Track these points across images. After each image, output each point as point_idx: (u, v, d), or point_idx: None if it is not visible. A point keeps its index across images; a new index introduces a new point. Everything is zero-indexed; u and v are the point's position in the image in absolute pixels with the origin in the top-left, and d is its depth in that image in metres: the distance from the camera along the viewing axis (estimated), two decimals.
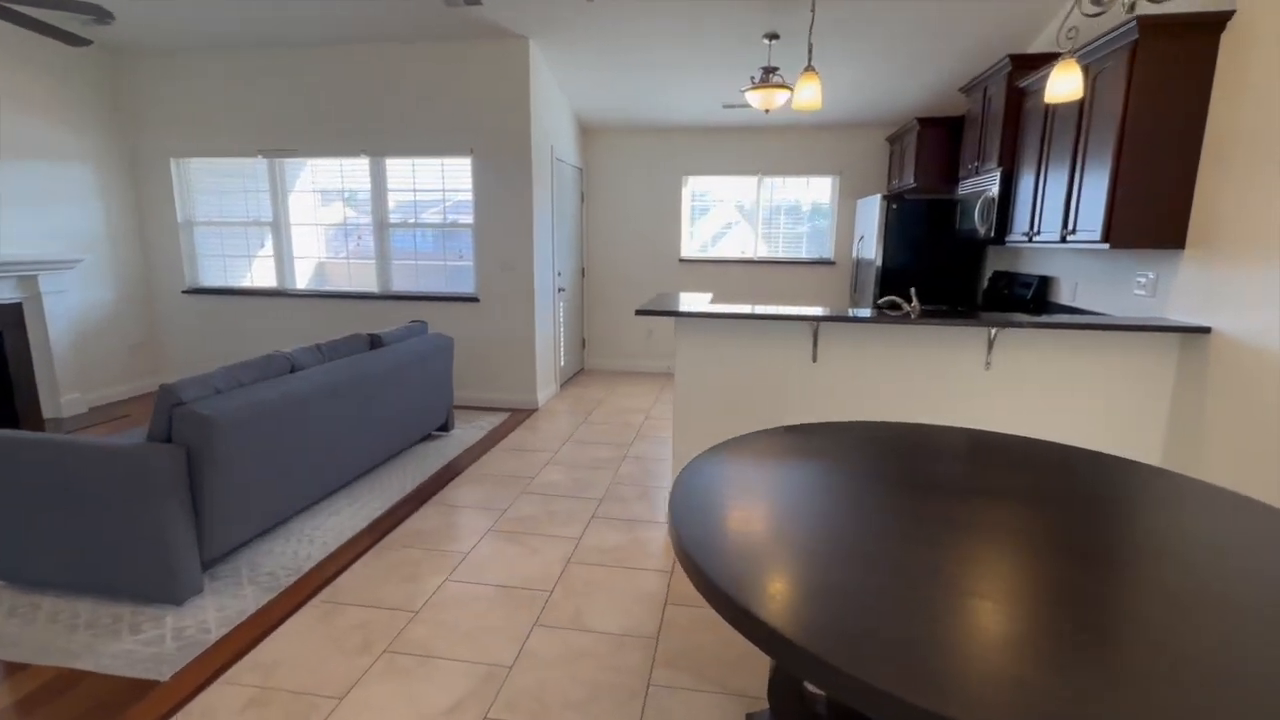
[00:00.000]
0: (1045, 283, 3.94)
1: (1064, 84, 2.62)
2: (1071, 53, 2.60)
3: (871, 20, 3.97)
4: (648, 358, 6.53)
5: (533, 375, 5.03)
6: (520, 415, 4.88)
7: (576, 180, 6.02)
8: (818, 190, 6.05)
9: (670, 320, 6.43)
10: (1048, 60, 3.59)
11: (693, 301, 3.27)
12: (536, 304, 4.94)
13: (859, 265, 5.56)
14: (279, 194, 5.20)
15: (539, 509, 3.21)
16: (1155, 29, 2.62)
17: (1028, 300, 3.99)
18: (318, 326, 5.30)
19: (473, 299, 5.00)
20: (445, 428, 4.29)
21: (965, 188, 4.39)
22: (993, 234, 3.90)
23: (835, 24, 4.08)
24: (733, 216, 6.24)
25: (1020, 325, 2.74)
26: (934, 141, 4.82)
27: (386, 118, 4.83)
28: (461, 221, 5.00)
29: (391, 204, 5.08)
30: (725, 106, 5.44)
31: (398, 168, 4.99)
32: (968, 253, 4.97)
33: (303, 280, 5.37)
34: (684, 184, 6.19)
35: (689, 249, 6.35)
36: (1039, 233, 3.44)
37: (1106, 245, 2.82)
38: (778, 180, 6.08)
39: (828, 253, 6.11)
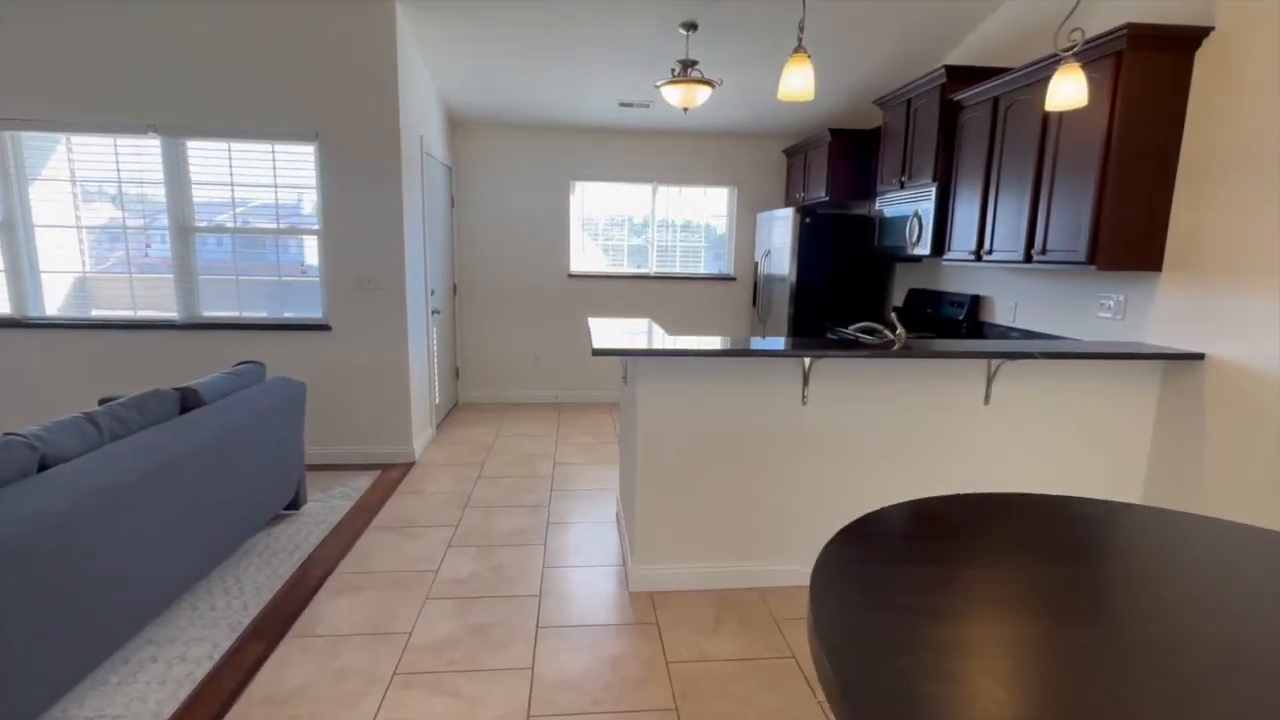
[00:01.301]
0: (977, 302, 3.83)
1: (1068, 89, 2.36)
2: (1074, 55, 2.36)
3: (781, 25, 3.62)
4: (534, 386, 5.70)
5: (407, 419, 4.01)
6: (394, 473, 3.84)
7: (446, 180, 5.05)
8: (714, 202, 5.68)
9: (562, 347, 5.67)
10: (987, 75, 3.46)
11: (658, 337, 2.61)
12: (410, 329, 3.95)
13: (765, 282, 5.25)
14: (14, 182, 3.66)
15: (458, 625, 2.33)
16: (1142, 39, 2.47)
17: (960, 321, 3.86)
18: (86, 374, 3.80)
19: (321, 326, 3.87)
20: (295, 504, 3.16)
21: (885, 203, 4.21)
22: (927, 251, 3.70)
23: (740, 26, 3.68)
24: (627, 227, 5.66)
25: (1032, 356, 2.45)
26: (846, 154, 4.63)
27: (190, 84, 3.56)
28: (303, 226, 3.85)
29: (198, 201, 3.78)
30: (622, 105, 4.84)
31: (206, 153, 3.72)
32: (877, 269, 4.85)
33: (55, 304, 3.83)
34: (572, 190, 5.49)
35: (579, 262, 5.64)
36: (990, 251, 3.26)
37: (1092, 266, 2.65)
38: (673, 190, 5.60)
39: (727, 268, 5.76)
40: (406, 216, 3.84)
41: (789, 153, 5.46)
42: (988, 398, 2.61)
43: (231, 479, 2.46)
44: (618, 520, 3.24)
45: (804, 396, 2.52)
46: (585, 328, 5.66)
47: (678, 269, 5.72)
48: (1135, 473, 2.76)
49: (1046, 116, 2.89)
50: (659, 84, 3.75)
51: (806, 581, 2.67)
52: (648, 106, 4.85)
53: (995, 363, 2.58)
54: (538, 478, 3.85)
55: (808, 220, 4.70)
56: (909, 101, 3.92)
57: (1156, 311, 2.71)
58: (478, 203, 5.39)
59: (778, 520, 2.62)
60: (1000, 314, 3.67)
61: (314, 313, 3.92)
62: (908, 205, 3.92)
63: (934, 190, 3.65)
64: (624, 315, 5.67)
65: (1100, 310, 2.98)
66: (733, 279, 5.70)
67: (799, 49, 2.29)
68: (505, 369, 5.65)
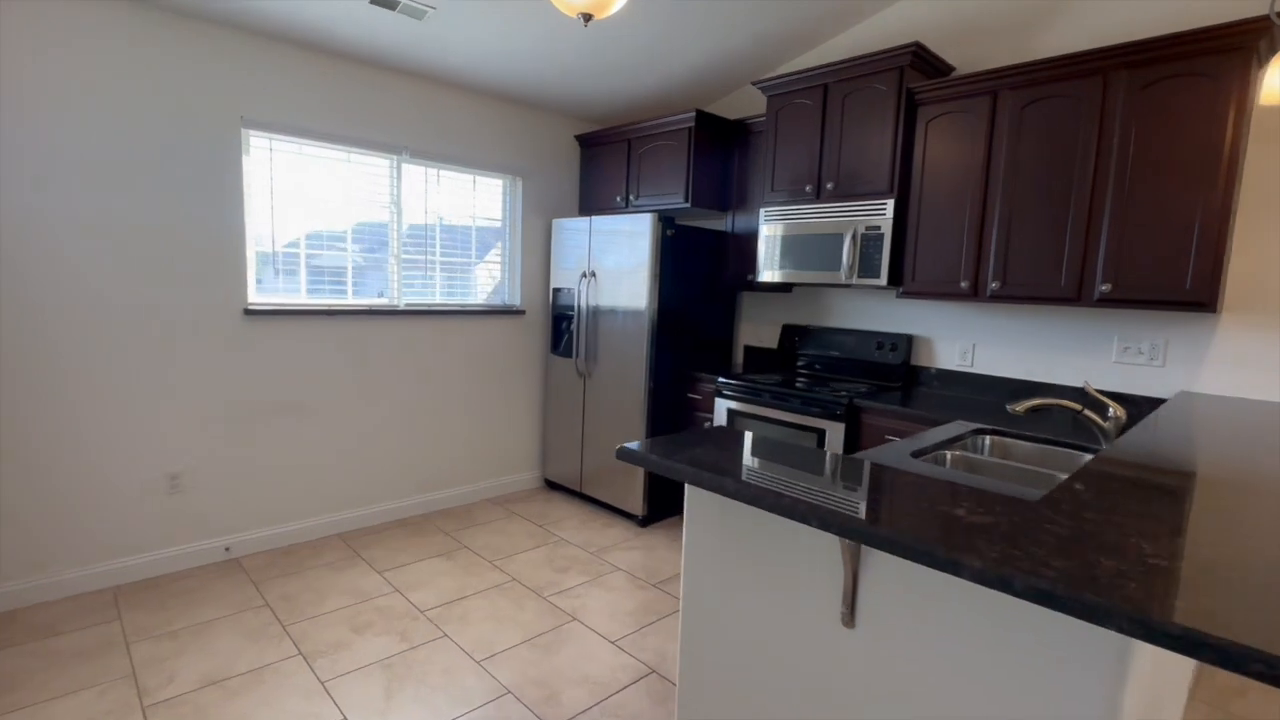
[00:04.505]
0: (909, 343, 3.18)
1: None
2: None
3: None
4: (172, 539, 2.83)
5: None
6: None
7: None
8: (488, 199, 3.81)
9: (235, 451, 2.98)
10: (953, 74, 2.81)
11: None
12: None
13: (591, 317, 3.70)
14: None
15: None
16: None
17: (896, 368, 3.16)
18: None
19: None
20: None
21: (777, 216, 3.24)
22: (881, 281, 2.87)
23: None
24: (353, 230, 3.30)
25: None
26: (713, 148, 3.49)
27: None
28: None
29: None
30: (374, 2, 2.65)
31: None
32: (726, 300, 3.86)
33: None
34: (246, 149, 2.88)
35: (268, 288, 3.03)
36: (1003, 285, 2.59)
37: (1208, 312, 2.16)
38: (430, 173, 3.52)
39: (511, 297, 3.94)
40: None
41: (589, 141, 4.01)
42: None
43: None
44: None
45: None
46: (284, 411, 3.08)
47: (437, 299, 3.63)
48: None
49: (1106, 120, 2.32)
50: None
51: None
52: (422, 18, 2.77)
53: None
54: None
55: (669, 233, 3.39)
56: (826, 87, 3.03)
57: (1216, 357, 2.40)
58: (8, 144, 2.31)
59: None
60: (945, 357, 3.09)
61: None
62: (832, 221, 3.02)
63: (891, 205, 2.84)
64: (354, 373, 3.30)
65: (1126, 354, 2.59)
66: (520, 312, 3.92)
67: None
68: (92, 510, 2.62)
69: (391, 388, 3.40)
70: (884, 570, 1.05)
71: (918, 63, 2.77)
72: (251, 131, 2.87)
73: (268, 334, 2.98)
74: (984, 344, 2.97)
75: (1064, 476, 1.79)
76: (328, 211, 3.17)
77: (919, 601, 1.02)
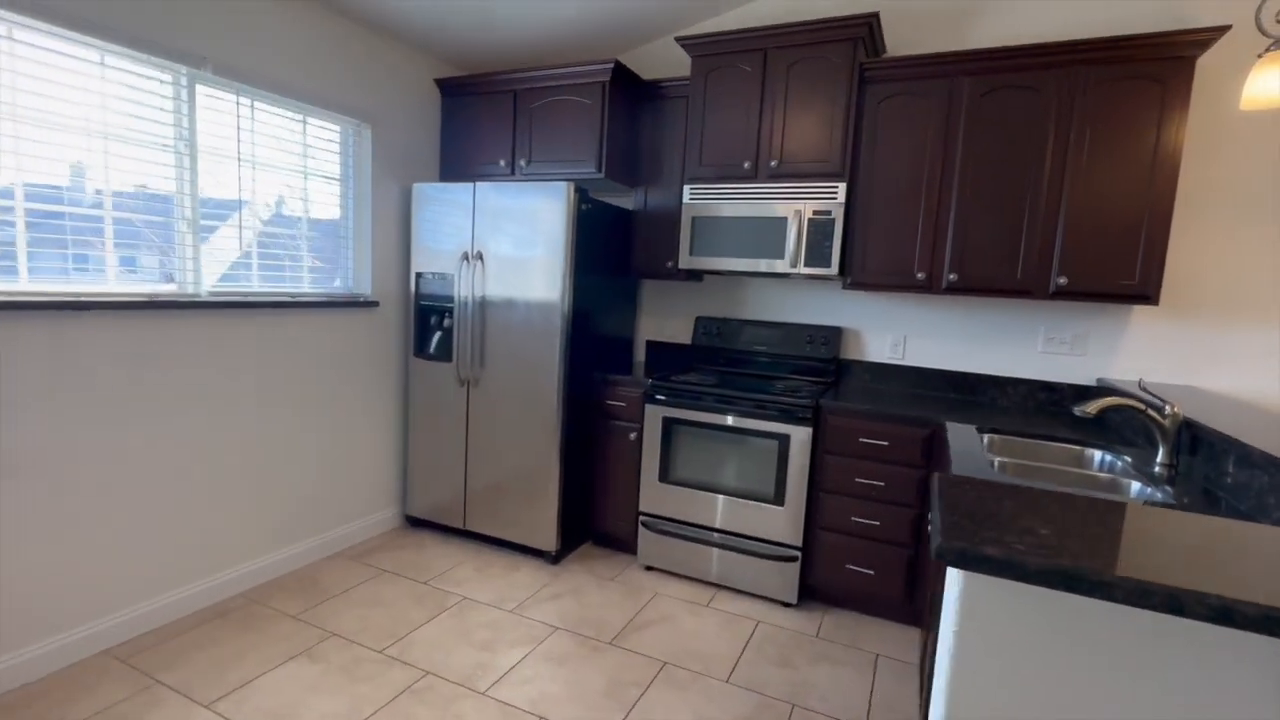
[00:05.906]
0: (838, 336, 3.04)
1: (1273, 83, 1.89)
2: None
3: None
4: None
5: None
6: None
7: None
8: (323, 152, 2.79)
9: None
10: (886, 55, 2.66)
11: None
12: None
13: (477, 310, 2.93)
14: None
15: None
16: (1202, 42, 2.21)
17: (826, 363, 2.99)
18: None
19: None
20: None
21: (706, 195, 2.86)
22: (832, 270, 2.66)
23: None
24: (112, 169, 2.10)
25: None
26: (628, 109, 2.96)
27: None
28: None
29: None
30: None
31: None
32: (629, 289, 3.38)
33: None
34: None
35: None
36: (961, 277, 2.53)
37: (1148, 305, 2.29)
38: (241, 104, 2.42)
39: (357, 284, 2.96)
40: None
41: (455, 88, 3.18)
42: None
43: None
44: None
45: None
46: None
47: (255, 285, 2.55)
48: None
49: (1063, 114, 2.34)
50: None
51: None
52: None
53: None
54: None
55: (584, 208, 2.80)
56: (766, 52, 2.71)
57: (1129, 345, 2.60)
58: None
59: None
60: (875, 350, 3.01)
61: None
62: (775, 203, 2.73)
63: (843, 189, 2.63)
64: (120, 400, 2.14)
65: (1050, 345, 2.71)
66: (372, 304, 2.97)
67: None
68: None
69: (182, 417, 2.29)
70: None
71: (869, 37, 2.58)
72: None
73: None
74: (915, 336, 2.94)
75: (1121, 479, 1.69)
76: (68, 146, 1.97)
77: None
